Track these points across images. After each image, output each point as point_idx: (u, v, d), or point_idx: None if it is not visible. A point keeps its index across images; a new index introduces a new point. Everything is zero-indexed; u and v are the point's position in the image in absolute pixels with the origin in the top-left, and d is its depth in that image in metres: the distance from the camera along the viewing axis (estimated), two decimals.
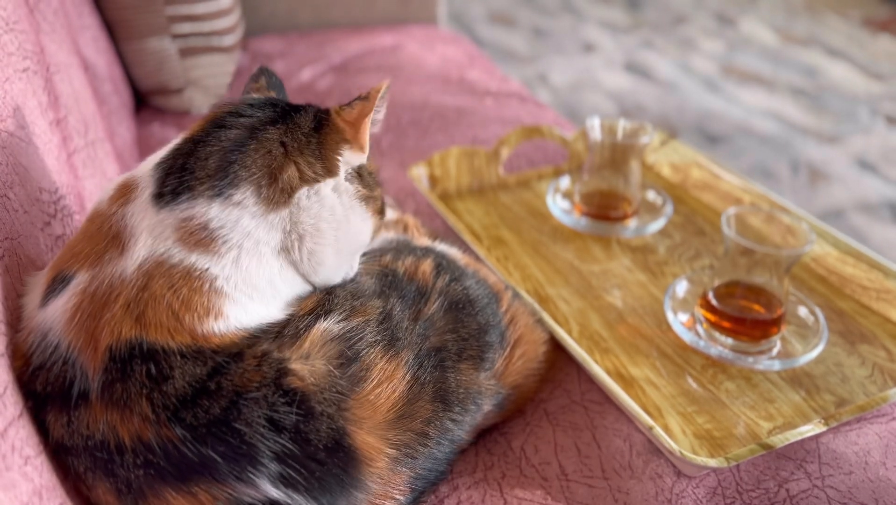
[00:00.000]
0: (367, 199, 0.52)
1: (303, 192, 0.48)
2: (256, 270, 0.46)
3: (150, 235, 0.45)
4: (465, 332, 0.53)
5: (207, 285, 0.44)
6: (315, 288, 0.51)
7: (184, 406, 0.41)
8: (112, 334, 0.42)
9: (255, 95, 0.54)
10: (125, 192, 0.47)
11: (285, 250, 0.48)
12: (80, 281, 0.44)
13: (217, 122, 0.49)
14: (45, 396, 0.42)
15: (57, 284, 0.45)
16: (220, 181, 0.46)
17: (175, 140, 0.49)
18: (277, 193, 0.47)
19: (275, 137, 0.48)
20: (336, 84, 1.25)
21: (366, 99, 0.50)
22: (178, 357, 0.42)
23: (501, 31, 2.97)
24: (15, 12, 0.62)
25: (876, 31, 2.98)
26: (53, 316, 0.44)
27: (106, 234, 0.45)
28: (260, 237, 0.46)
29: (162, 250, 0.44)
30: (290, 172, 0.48)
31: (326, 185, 0.49)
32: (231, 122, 0.48)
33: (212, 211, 0.45)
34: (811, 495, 0.53)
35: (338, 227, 0.50)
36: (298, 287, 0.50)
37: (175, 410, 0.40)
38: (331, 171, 0.50)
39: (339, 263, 0.51)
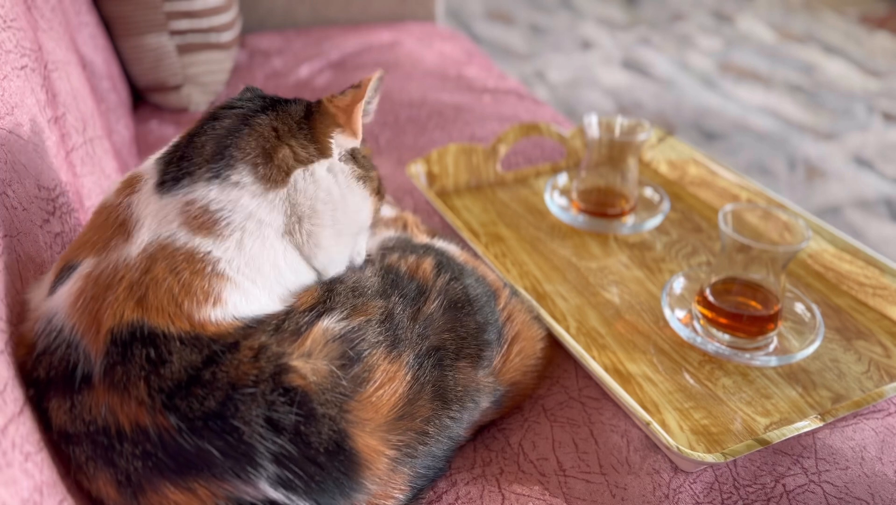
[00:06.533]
0: (363, 179, 0.54)
1: (299, 174, 0.50)
2: (260, 253, 0.47)
3: (155, 220, 0.46)
4: (464, 331, 0.54)
5: (209, 268, 0.45)
6: (319, 275, 0.52)
7: (178, 393, 0.40)
8: (114, 317, 0.42)
9: (247, 92, 0.56)
10: (131, 184, 0.49)
11: (288, 233, 0.49)
12: (85, 266, 0.45)
13: (211, 116, 0.52)
14: (49, 381, 0.42)
15: (64, 273, 0.45)
16: (217, 164, 0.48)
17: (175, 138, 0.52)
18: (274, 171, 0.49)
19: (266, 123, 0.51)
20: (334, 81, 1.25)
21: (358, 87, 0.53)
22: (178, 343, 0.42)
23: (499, 29, 2.97)
24: (13, 9, 0.62)
25: (873, 28, 2.98)
26: (58, 301, 0.44)
27: (112, 223, 0.47)
28: (262, 218, 0.48)
29: (167, 234, 0.45)
30: (285, 153, 0.50)
31: (321, 167, 0.51)
32: (223, 113, 0.51)
33: (211, 193, 0.47)
34: (807, 490, 0.53)
35: (335, 207, 0.51)
36: (304, 275, 0.51)
37: (169, 395, 0.40)
38: (323, 152, 0.52)
39: (340, 246, 0.53)
